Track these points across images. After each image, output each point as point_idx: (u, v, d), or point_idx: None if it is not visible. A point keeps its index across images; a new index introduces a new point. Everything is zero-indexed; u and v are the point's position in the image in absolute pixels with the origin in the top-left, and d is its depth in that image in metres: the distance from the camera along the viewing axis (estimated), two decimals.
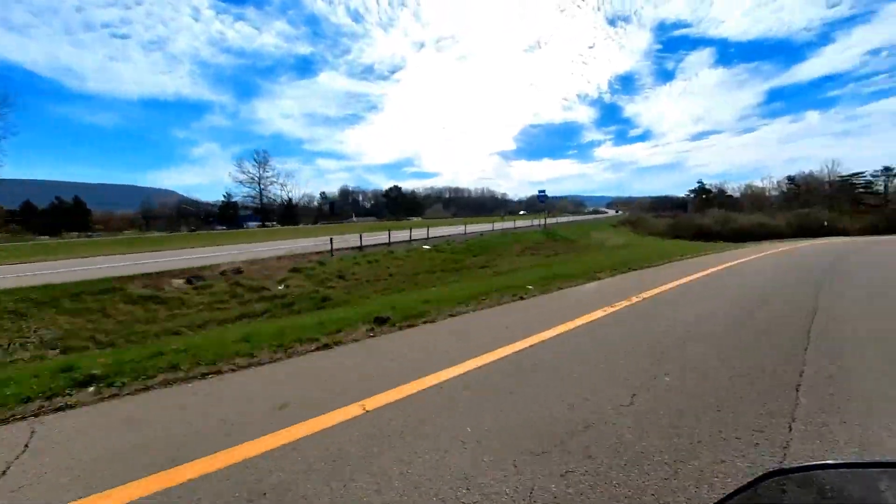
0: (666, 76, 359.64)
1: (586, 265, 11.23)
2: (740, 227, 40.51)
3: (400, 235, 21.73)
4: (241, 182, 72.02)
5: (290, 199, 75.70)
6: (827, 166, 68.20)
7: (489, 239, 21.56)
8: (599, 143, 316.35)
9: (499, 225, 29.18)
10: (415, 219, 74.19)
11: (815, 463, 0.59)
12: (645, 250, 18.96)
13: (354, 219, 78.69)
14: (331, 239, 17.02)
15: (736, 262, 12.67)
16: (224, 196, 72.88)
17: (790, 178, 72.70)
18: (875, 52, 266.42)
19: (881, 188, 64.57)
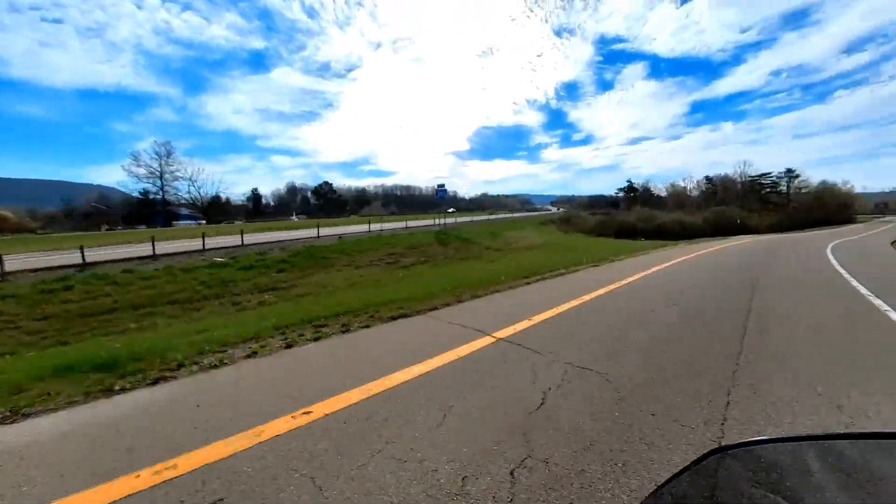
0: (606, 86, 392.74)
1: (459, 278, 8.65)
2: (662, 224, 39.73)
3: (251, 239, 16.69)
4: (137, 177, 61.84)
5: (218, 196, 70.07)
6: (739, 167, 72.35)
7: (347, 243, 16.83)
8: (547, 146, 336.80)
9: (411, 223, 25.32)
10: (354, 216, 71.32)
11: (752, 439, 0.63)
12: (558, 253, 16.20)
13: (294, 217, 72.54)
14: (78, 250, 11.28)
15: (651, 269, 10.06)
16: (140, 193, 63.15)
17: (708, 179, 76.50)
18: (777, 73, 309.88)
19: (784, 188, 69.49)
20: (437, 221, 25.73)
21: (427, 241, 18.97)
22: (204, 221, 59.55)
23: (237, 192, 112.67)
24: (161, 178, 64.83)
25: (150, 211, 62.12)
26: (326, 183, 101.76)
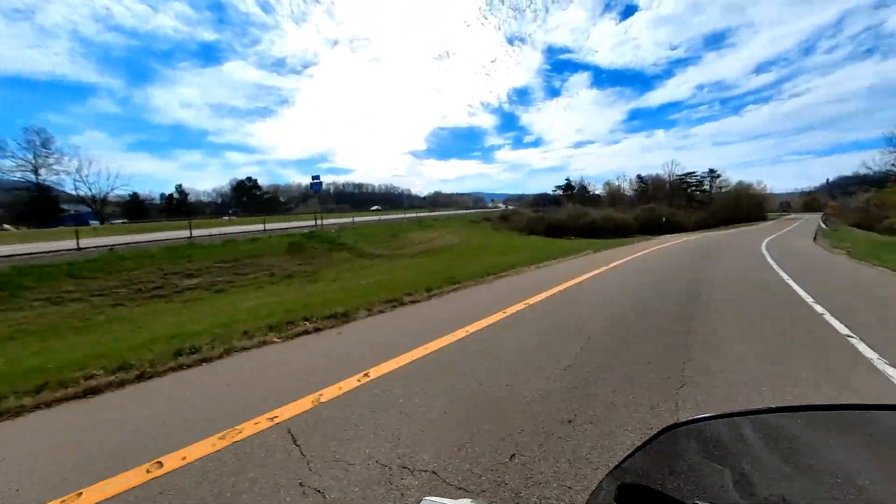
0: (554, 92, 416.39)
1: (227, 314, 5.76)
2: (592, 221, 37.73)
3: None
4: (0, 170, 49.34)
5: (135, 194, 63.62)
6: (667, 166, 74.58)
7: (104, 259, 11.23)
8: (500, 147, 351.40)
9: (293, 224, 20.13)
10: (283, 215, 65.34)
11: (698, 417, 0.67)
12: (463, 259, 13.22)
13: (228, 217, 64.06)
14: None
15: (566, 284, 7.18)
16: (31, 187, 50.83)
17: (640, 177, 78.29)
18: (700, 87, 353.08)
19: (707, 187, 72.60)
20: (317, 222, 20.60)
21: (276, 249, 13.95)
22: (97, 223, 49.36)
23: (201, 187, 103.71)
24: (36, 171, 52.55)
25: (42, 208, 50.10)
26: (249, 179, 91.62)
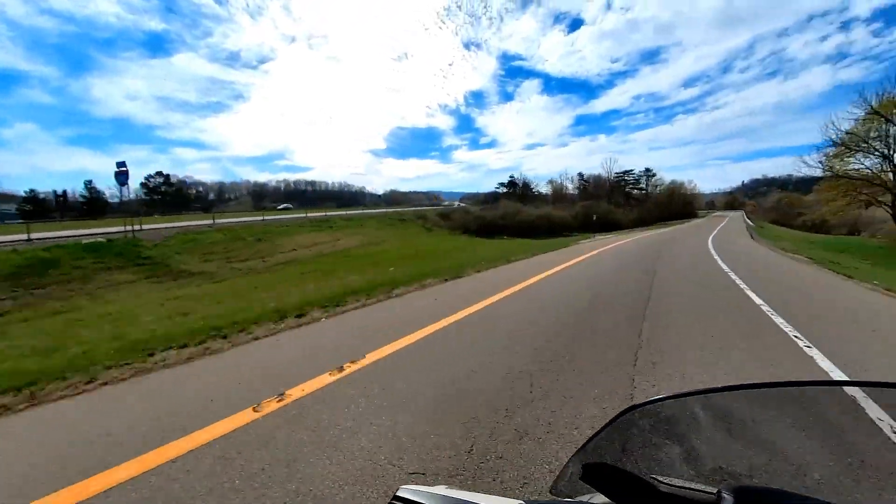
0: (507, 97, 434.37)
1: None
2: (528, 219, 34.60)
3: None
4: None
5: (32, 191, 56.69)
6: (606, 163, 75.07)
7: None
8: (457, 147, 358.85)
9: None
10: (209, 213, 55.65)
11: (654, 398, 0.67)
12: (325, 278, 9.17)
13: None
14: None
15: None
16: None
17: (581, 175, 78.23)
18: (637, 98, 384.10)
19: (644, 186, 73.98)
20: (128, 227, 14.62)
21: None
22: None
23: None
24: None
25: None
26: (159, 173, 79.55)
